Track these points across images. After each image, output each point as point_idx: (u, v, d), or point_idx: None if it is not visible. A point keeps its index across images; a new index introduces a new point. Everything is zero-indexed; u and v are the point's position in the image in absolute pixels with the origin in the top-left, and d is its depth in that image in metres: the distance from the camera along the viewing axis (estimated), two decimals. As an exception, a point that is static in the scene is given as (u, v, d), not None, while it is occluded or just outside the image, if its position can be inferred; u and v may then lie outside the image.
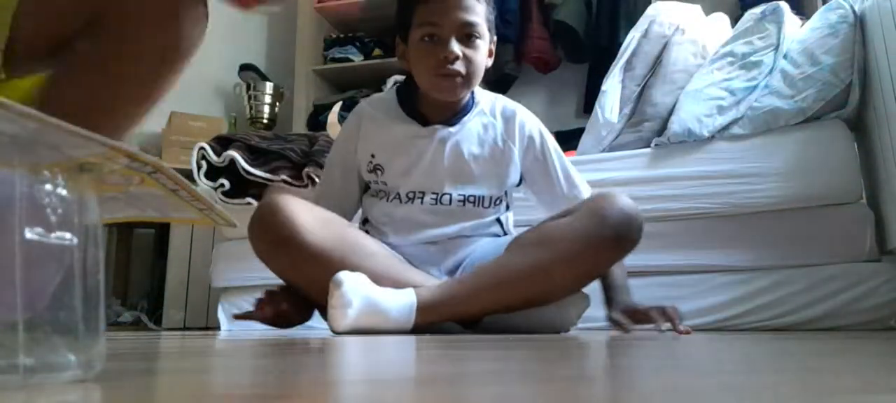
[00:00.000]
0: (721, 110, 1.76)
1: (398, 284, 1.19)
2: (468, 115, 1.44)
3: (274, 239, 1.21)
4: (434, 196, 1.40)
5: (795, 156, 1.64)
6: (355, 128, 1.47)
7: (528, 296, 1.22)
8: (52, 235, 0.27)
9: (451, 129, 1.41)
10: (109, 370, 0.34)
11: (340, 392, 0.28)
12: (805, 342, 0.72)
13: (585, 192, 1.44)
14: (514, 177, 1.46)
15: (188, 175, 1.92)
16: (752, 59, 1.83)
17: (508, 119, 1.46)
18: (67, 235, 0.28)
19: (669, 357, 0.48)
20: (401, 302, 1.14)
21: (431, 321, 1.15)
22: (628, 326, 1.19)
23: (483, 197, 1.43)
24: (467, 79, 1.37)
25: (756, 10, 1.92)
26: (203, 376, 0.36)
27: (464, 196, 1.41)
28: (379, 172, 1.42)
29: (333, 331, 1.08)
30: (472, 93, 1.46)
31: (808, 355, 0.50)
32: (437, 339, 0.77)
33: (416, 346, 0.63)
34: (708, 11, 2.11)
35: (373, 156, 1.43)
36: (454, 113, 1.43)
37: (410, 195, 1.42)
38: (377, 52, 3.35)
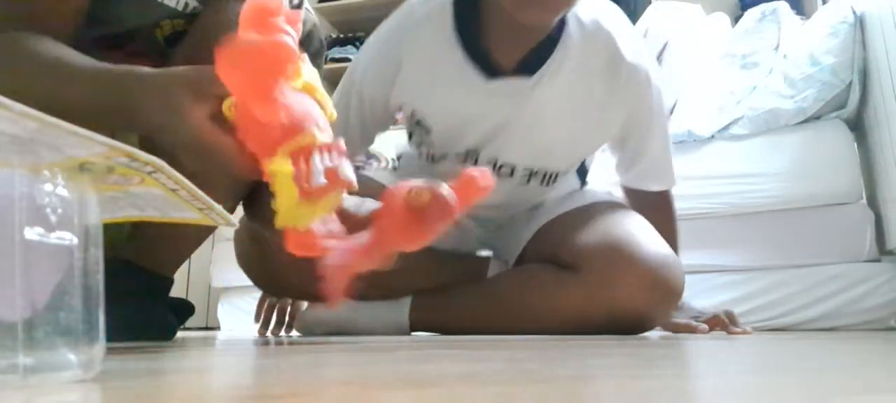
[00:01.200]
0: (721, 110, 1.76)
1: (391, 294, 1.06)
2: (554, 54, 0.96)
3: (257, 279, 1.12)
4: (491, 162, 1.03)
5: (795, 156, 1.65)
6: (393, 68, 1.02)
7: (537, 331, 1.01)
8: (52, 235, 0.27)
9: (529, 82, 0.97)
10: (109, 370, 0.34)
11: (341, 391, 0.28)
12: (805, 342, 0.72)
13: (662, 186, 1.15)
14: (605, 141, 1.10)
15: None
16: (752, 59, 1.83)
17: (613, 60, 0.99)
18: (67, 235, 0.28)
19: (669, 357, 0.48)
20: (389, 321, 1.06)
21: (428, 326, 1.07)
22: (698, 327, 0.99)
23: (555, 173, 1.08)
24: None
25: (756, 11, 1.92)
26: (203, 376, 0.36)
27: (530, 171, 1.06)
28: (423, 130, 1.05)
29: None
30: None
31: (807, 355, 0.50)
32: (438, 339, 0.77)
33: (416, 346, 0.63)
34: (708, 11, 2.11)
35: (415, 111, 1.04)
36: (534, 49, 0.96)
37: (460, 155, 1.04)
38: (377, 51, 3.33)
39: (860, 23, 1.72)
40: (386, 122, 1.11)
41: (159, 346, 0.69)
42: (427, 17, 1.02)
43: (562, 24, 0.98)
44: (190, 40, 0.82)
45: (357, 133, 1.07)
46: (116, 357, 0.47)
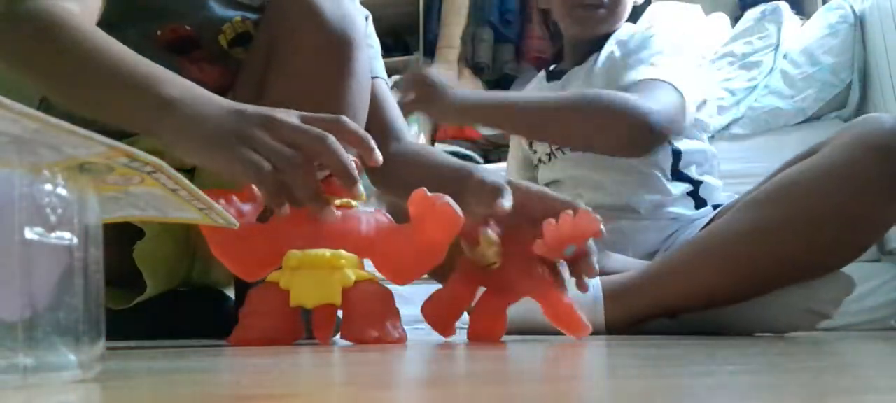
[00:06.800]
0: (721, 110, 1.76)
1: None
2: (603, 48, 1.23)
3: None
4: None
5: (795, 157, 1.65)
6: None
7: (759, 273, 0.87)
8: (52, 235, 0.27)
9: (578, 69, 1.25)
10: (109, 370, 0.34)
11: (341, 392, 0.28)
12: (804, 342, 0.72)
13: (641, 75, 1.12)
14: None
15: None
16: (752, 59, 1.83)
17: (637, 30, 1.24)
18: (67, 235, 0.28)
19: (669, 357, 0.48)
20: (580, 297, 0.91)
21: (628, 316, 0.94)
22: None
23: None
24: (611, 10, 1.21)
25: (756, 10, 1.92)
26: (203, 376, 0.36)
27: None
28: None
29: None
30: None
31: (807, 355, 0.50)
32: (434, 338, 0.77)
33: (416, 346, 0.63)
34: (708, 11, 2.11)
35: None
36: (589, 50, 1.24)
37: (548, 154, 1.25)
38: (377, 52, 3.33)
39: (860, 22, 1.72)
40: None
41: (159, 346, 0.69)
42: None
43: (608, 35, 1.24)
44: (257, 50, 0.86)
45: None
46: (116, 358, 0.47)
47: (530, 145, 1.33)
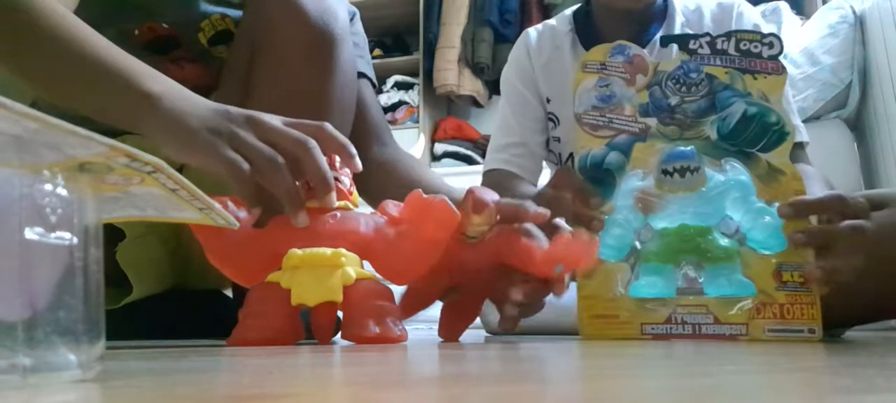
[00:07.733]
0: (721, 110, 1.76)
1: None
2: (662, 27, 1.10)
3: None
4: None
5: (795, 156, 1.65)
6: (526, 59, 1.16)
7: None
8: (52, 235, 0.28)
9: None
10: (109, 370, 0.34)
11: (341, 392, 0.28)
12: (804, 342, 0.72)
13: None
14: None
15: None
16: (752, 58, 1.83)
17: (724, 11, 1.10)
18: (67, 235, 0.28)
19: (669, 357, 0.48)
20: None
21: None
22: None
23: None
24: None
25: (756, 11, 1.92)
26: (203, 376, 0.36)
27: None
28: (554, 122, 1.14)
29: (489, 331, 0.98)
30: None
31: (807, 355, 0.50)
32: (434, 340, 0.77)
33: (417, 346, 0.63)
34: (708, 11, 2.10)
35: (548, 100, 1.13)
36: (641, 26, 1.09)
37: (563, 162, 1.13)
38: (377, 52, 3.34)
39: (860, 22, 1.72)
40: (544, 122, 1.16)
41: (159, 346, 0.69)
42: (549, 22, 1.19)
43: (666, 7, 1.11)
44: (239, 48, 0.85)
45: (514, 123, 1.15)
46: (116, 358, 0.47)
47: (547, 145, 1.20)
